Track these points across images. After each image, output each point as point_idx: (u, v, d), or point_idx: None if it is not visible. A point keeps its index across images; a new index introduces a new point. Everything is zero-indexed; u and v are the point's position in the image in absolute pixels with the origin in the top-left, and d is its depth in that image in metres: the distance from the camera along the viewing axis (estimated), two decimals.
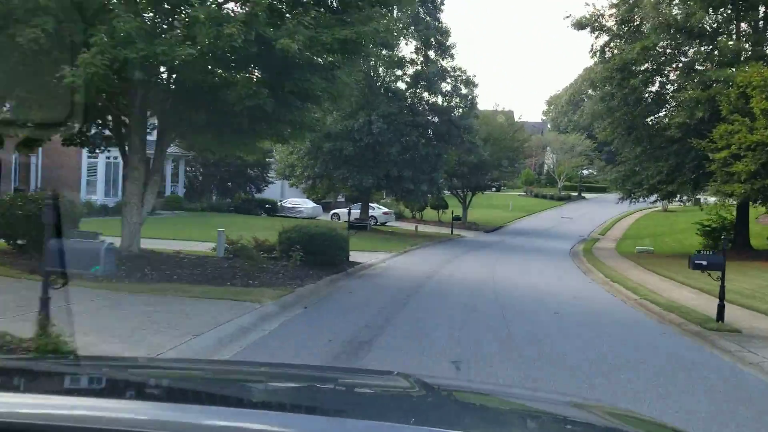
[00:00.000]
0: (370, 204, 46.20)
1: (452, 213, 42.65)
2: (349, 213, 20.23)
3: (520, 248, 33.54)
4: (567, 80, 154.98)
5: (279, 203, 46.63)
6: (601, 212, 61.79)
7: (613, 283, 18.62)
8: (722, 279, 11.15)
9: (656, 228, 50.19)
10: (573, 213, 62.35)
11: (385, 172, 32.47)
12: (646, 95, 26.88)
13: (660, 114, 26.48)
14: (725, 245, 12.52)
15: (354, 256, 19.61)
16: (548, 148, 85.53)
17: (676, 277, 20.25)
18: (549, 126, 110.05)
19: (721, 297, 11.29)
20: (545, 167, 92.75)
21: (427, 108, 34.59)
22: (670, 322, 12.24)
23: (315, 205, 47.60)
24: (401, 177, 32.71)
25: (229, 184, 45.00)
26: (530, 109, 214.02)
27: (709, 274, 11.72)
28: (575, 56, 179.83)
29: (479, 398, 2.28)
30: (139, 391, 1.97)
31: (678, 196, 27.27)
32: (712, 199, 32.64)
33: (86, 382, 2.12)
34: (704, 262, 11.51)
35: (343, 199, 53.29)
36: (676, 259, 28.43)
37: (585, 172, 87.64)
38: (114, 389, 2.03)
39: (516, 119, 59.35)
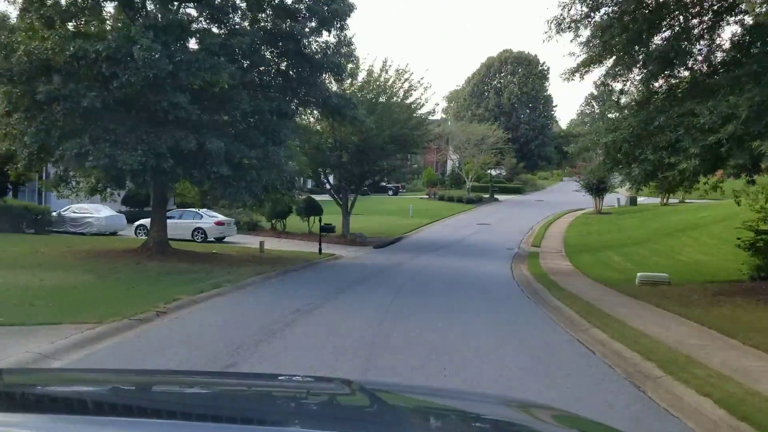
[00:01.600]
0: (196, 210, 30.16)
1: (320, 221, 27.30)
2: None
3: (433, 279, 18.79)
4: (467, 74, 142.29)
5: (54, 213, 29.67)
6: (522, 216, 49.87)
7: None
8: None
9: (602, 235, 37.17)
10: (489, 218, 49.17)
11: (173, 143, 16.56)
12: None
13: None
14: None
15: None
16: (452, 146, 72.58)
17: None
18: (450, 122, 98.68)
19: None
20: (449, 164, 79.94)
21: (256, 27, 18.83)
22: None
23: (112, 213, 30.82)
24: (204, 153, 16.90)
25: None
26: (428, 107, 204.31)
27: None
28: (474, 50, 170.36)
29: (422, 402, 2.25)
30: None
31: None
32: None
33: None
34: None
35: (174, 205, 36.68)
36: (738, 296, 14.68)
37: (493, 172, 75.49)
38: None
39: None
